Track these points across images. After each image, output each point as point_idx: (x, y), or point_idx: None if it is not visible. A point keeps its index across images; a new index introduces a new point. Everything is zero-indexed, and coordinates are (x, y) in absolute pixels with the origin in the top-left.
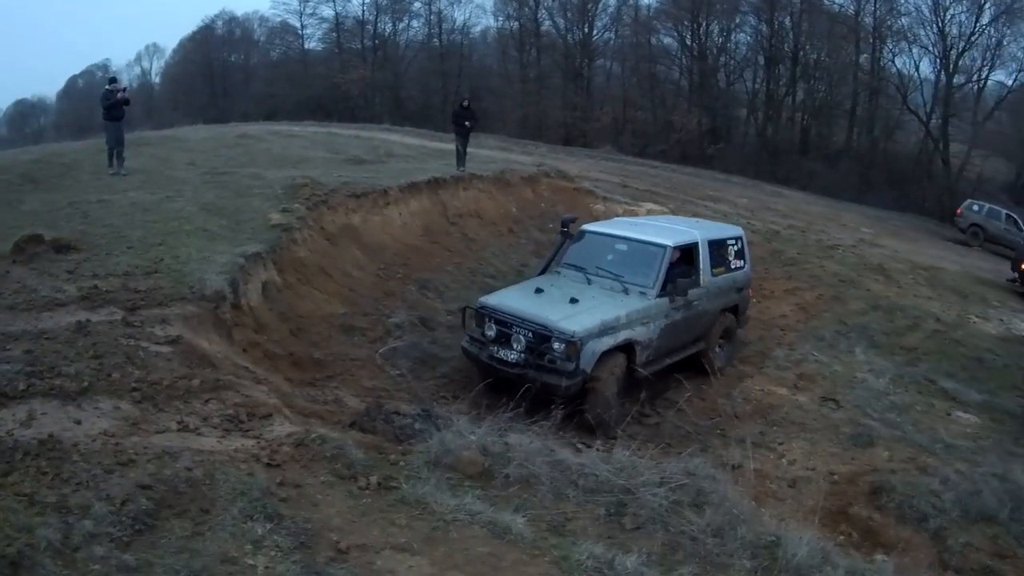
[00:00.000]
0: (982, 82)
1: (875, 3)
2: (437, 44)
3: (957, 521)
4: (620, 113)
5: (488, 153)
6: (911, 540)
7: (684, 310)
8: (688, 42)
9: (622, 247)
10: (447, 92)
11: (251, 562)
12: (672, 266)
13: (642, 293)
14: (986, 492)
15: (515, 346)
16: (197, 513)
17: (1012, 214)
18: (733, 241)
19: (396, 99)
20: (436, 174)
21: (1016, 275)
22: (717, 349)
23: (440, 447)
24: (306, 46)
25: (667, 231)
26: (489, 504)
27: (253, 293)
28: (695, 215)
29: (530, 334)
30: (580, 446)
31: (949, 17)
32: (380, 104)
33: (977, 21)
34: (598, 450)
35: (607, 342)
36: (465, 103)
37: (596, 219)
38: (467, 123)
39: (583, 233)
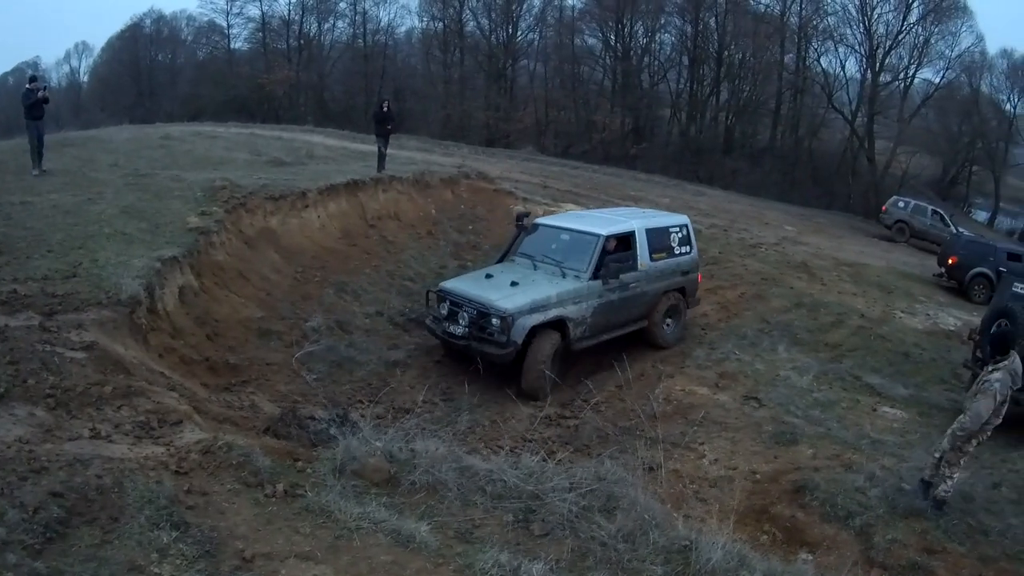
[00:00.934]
0: (909, 80)
1: (801, 3)
2: (361, 45)
3: (883, 518)
4: (542, 114)
5: (408, 155)
6: (835, 538)
7: (620, 291)
8: (612, 42)
9: (565, 237)
10: (370, 93)
11: (157, 571)
12: (608, 253)
13: (576, 277)
14: (913, 488)
15: (461, 322)
16: (106, 521)
17: (938, 210)
18: (677, 229)
19: (320, 100)
20: (355, 176)
21: (943, 270)
22: (665, 326)
23: (346, 454)
24: (232, 46)
25: (606, 221)
26: (394, 512)
27: (170, 298)
28: None
29: (474, 312)
30: (488, 451)
31: (876, 16)
32: (304, 105)
33: (904, 20)
34: (507, 455)
35: (537, 318)
36: (385, 105)
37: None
38: (388, 125)
39: (536, 226)
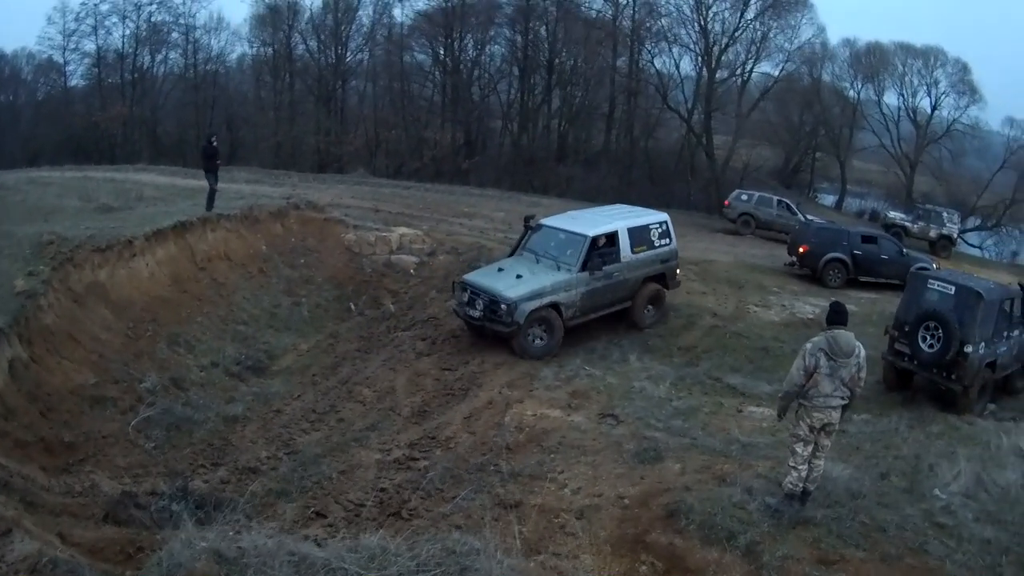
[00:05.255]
0: (746, 75)
1: (633, 6)
2: (192, 75)
3: (769, 533)
4: (373, 134)
5: (237, 187)
6: (720, 562)
7: (604, 279)
8: (441, 57)
9: (561, 236)
10: (201, 124)
11: None
12: (596, 248)
13: (568, 269)
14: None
15: (478, 307)
16: None
17: (784, 200)
18: (657, 225)
19: (153, 135)
20: (183, 217)
21: (794, 258)
22: (647, 311)
23: (170, 560)
24: (69, 83)
25: (594, 223)
26: None
27: None
28: (449, 234)
29: (488, 299)
30: (339, 507)
31: (712, 15)
32: (138, 141)
33: (742, 17)
34: (344, 534)
35: (535, 304)
36: (213, 140)
37: (348, 248)
38: (216, 160)
39: (540, 226)
